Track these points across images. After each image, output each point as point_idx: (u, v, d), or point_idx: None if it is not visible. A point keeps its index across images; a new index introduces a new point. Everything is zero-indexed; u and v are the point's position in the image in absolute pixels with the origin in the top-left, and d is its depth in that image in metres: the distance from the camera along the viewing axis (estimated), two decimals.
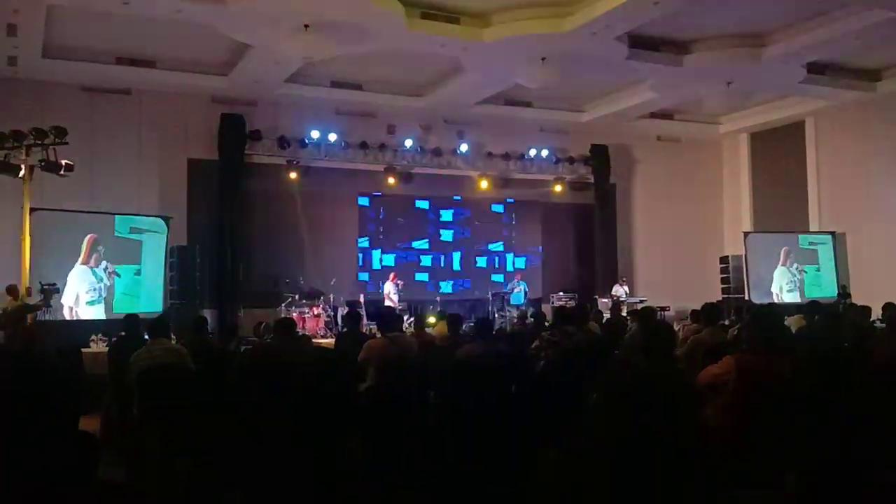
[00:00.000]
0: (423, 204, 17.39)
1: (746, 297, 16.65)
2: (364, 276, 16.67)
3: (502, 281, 17.67)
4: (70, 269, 12.39)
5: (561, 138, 17.95)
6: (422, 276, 17.20)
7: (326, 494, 3.58)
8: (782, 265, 17.29)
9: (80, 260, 12.56)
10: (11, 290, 10.19)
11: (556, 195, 18.10)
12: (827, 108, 16.81)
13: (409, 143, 16.33)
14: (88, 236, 12.67)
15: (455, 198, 17.62)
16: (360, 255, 16.78)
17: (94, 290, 12.69)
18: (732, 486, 3.57)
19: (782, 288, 17.21)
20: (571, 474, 2.96)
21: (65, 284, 12.16)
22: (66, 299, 12.29)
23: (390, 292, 15.40)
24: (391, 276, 15.80)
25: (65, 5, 11.03)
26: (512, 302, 16.43)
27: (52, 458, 2.61)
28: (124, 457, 6.08)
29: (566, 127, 17.84)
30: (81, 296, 12.52)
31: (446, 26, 12.08)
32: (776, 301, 16.60)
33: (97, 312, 12.64)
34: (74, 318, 12.34)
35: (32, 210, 10.68)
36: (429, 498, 3.40)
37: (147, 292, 13.37)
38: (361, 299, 15.28)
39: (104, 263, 12.75)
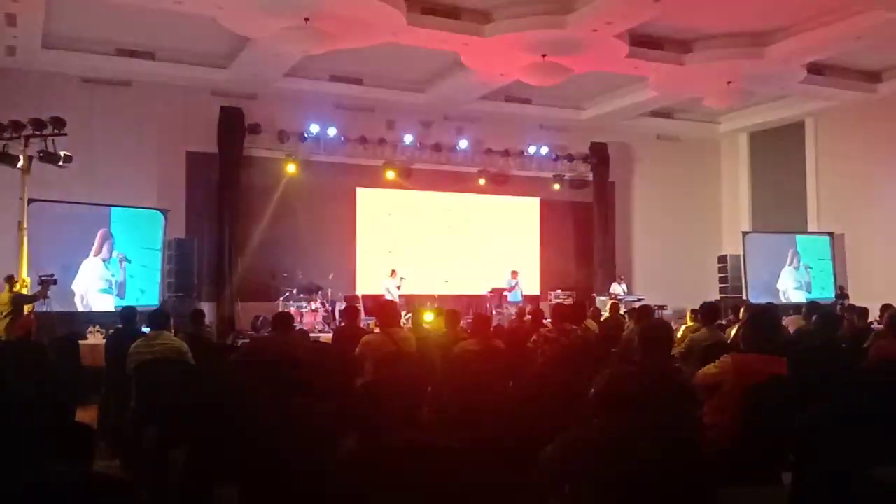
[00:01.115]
0: (421, 199, 17.34)
1: (744, 297, 16.66)
2: (362, 271, 16.63)
3: (500, 278, 17.63)
4: (69, 260, 12.44)
5: (560, 135, 17.95)
6: (420, 272, 17.16)
7: (322, 489, 3.57)
8: (789, 265, 17.31)
9: (93, 252, 12.75)
10: (9, 281, 10.17)
11: (555, 192, 18.09)
12: (827, 109, 16.81)
13: (408, 138, 16.32)
14: (101, 231, 12.82)
15: (454, 194, 17.59)
16: (359, 250, 16.76)
17: (107, 280, 12.86)
18: (729, 484, 3.57)
19: (788, 287, 17.23)
20: (569, 471, 2.96)
21: (74, 275, 12.38)
22: (78, 288, 12.47)
23: (389, 287, 15.40)
24: (391, 271, 15.79)
25: None
26: (510, 299, 16.42)
27: (47, 449, 2.60)
28: (120, 449, 6.07)
29: (566, 124, 17.83)
30: (93, 285, 12.66)
31: (447, 21, 12.06)
32: (782, 300, 16.60)
33: (109, 302, 12.78)
34: (86, 308, 12.49)
35: (31, 201, 10.66)
36: (425, 493, 3.40)
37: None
38: (359, 294, 15.26)
39: (116, 253, 12.86)
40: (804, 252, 17.43)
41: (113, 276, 12.90)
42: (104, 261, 12.82)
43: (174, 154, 14.86)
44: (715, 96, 15.03)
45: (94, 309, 12.50)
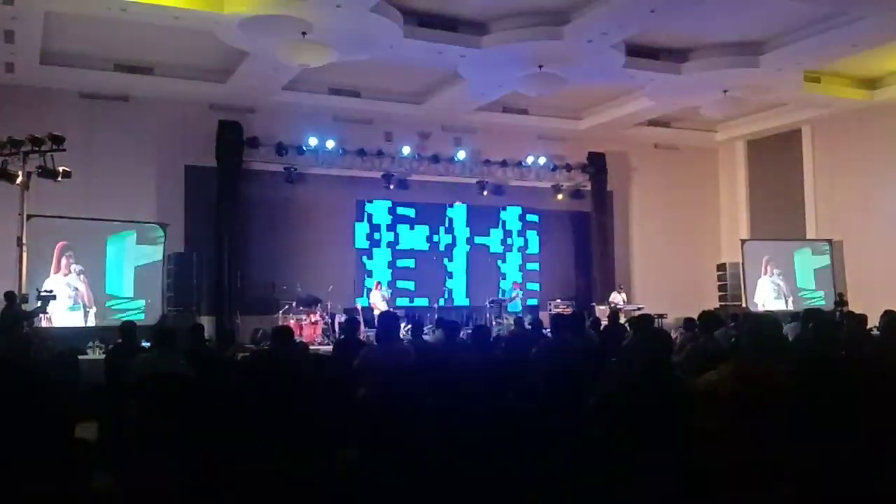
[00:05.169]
0: (420, 211, 17.37)
1: (743, 305, 16.66)
2: (362, 283, 16.63)
3: (499, 288, 17.64)
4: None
5: (558, 146, 17.99)
6: (420, 284, 17.17)
7: (323, 502, 3.57)
8: (764, 275, 17.26)
9: (52, 270, 12.40)
10: (9, 297, 10.16)
11: (553, 203, 18.12)
12: (824, 116, 16.85)
13: (406, 150, 16.35)
14: (58, 244, 12.50)
15: (452, 205, 17.62)
16: (357, 262, 16.76)
17: (70, 297, 12.59)
18: (729, 492, 3.57)
19: (767, 298, 17.16)
20: (571, 478, 2.96)
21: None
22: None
23: (376, 301, 15.39)
24: (375, 284, 15.80)
25: (62, 12, 11.05)
26: (510, 310, 16.42)
27: (46, 465, 2.59)
28: (120, 465, 6.04)
29: (564, 134, 17.87)
30: (59, 304, 12.23)
31: (444, 34, 12.13)
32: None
33: (77, 318, 12.57)
34: (51, 327, 12.13)
35: (30, 217, 10.66)
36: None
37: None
38: (359, 306, 15.24)
39: (75, 267, 12.67)
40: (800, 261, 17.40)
41: (76, 290, 12.63)
42: (65, 276, 12.50)
43: (173, 168, 14.88)
44: (711, 105, 15.09)
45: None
